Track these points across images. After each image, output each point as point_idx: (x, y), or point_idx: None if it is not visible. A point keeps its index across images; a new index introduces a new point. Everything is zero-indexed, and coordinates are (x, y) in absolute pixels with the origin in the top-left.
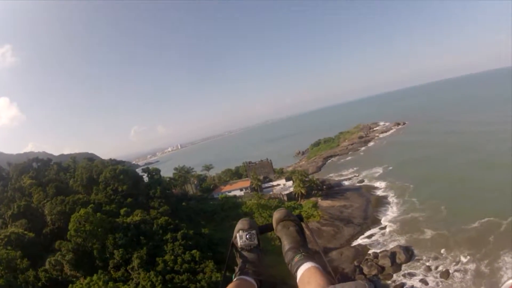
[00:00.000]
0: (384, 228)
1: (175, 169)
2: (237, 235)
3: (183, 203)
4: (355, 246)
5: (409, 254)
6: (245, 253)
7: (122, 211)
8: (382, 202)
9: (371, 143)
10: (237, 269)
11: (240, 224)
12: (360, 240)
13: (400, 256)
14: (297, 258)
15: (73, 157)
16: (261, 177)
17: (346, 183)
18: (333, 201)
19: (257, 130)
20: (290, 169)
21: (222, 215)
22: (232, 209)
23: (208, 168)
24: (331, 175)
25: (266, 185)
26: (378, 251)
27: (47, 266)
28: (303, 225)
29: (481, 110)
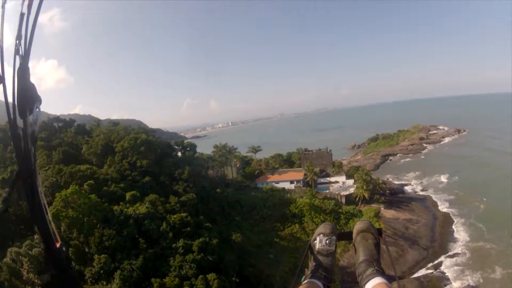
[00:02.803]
0: (453, 257)
1: (215, 146)
2: (317, 238)
3: (218, 190)
4: (419, 277)
5: None
6: (320, 257)
7: (128, 195)
8: (448, 221)
9: (431, 147)
10: (308, 271)
11: (322, 227)
12: (426, 271)
13: None
14: (369, 271)
15: (97, 121)
16: (318, 170)
17: (409, 189)
18: (397, 212)
19: (309, 117)
20: (345, 162)
21: (264, 213)
22: (278, 207)
23: (255, 150)
24: (389, 176)
25: (322, 180)
26: None
27: (7, 258)
28: (381, 240)
29: None
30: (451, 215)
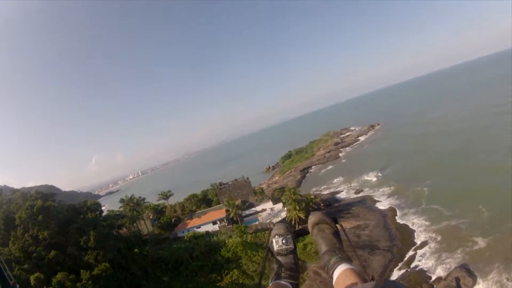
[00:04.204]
0: (422, 247)
1: (121, 200)
2: (273, 240)
3: (136, 250)
4: (396, 280)
5: (474, 274)
6: (280, 258)
7: (32, 278)
8: (400, 213)
9: (349, 148)
10: (272, 273)
11: (276, 229)
12: (399, 271)
13: (466, 281)
14: (333, 260)
15: (12, 190)
16: (239, 202)
17: (342, 196)
18: (342, 222)
19: (214, 151)
20: (264, 186)
21: (194, 266)
22: (207, 255)
23: (166, 196)
24: (316, 189)
25: (248, 212)
26: (433, 281)
27: None
28: (339, 227)
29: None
30: (398, 208)
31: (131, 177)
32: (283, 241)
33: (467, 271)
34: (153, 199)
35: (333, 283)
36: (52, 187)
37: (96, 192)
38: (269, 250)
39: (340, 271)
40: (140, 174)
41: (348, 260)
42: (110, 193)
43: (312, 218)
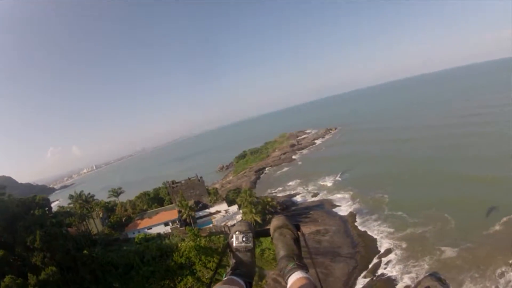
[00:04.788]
0: (386, 254)
1: (70, 197)
2: (234, 235)
3: (85, 251)
4: None
5: (446, 283)
6: (239, 254)
7: None
8: (361, 219)
9: (305, 151)
10: (228, 268)
11: (238, 225)
12: (365, 280)
13: None
14: (290, 266)
15: None
16: (192, 203)
17: (299, 199)
18: (301, 227)
19: (169, 148)
20: (217, 186)
21: (145, 271)
22: (158, 260)
23: (117, 193)
24: (272, 190)
25: (201, 214)
26: None
27: None
28: (300, 235)
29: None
30: (358, 213)
31: (85, 171)
32: (243, 238)
33: (438, 280)
34: (105, 196)
35: None
36: (8, 178)
37: (51, 185)
38: (228, 245)
39: (295, 278)
40: (95, 168)
41: (304, 268)
42: (65, 187)
43: (275, 222)
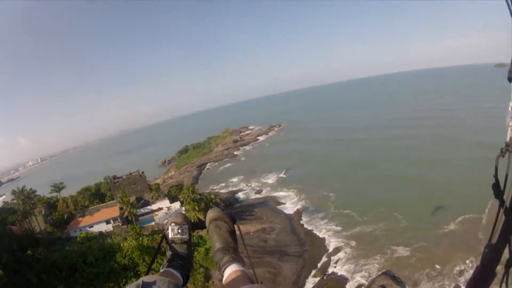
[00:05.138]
0: (335, 253)
1: (13, 192)
2: (170, 227)
3: (29, 251)
4: None
5: (401, 281)
6: (175, 246)
7: None
8: (307, 217)
9: (248, 147)
10: (165, 260)
11: (174, 217)
12: (315, 279)
13: None
14: (225, 259)
15: None
16: (134, 199)
17: (242, 196)
18: (244, 225)
19: (112, 141)
20: (159, 181)
21: (88, 273)
22: (102, 261)
23: (58, 188)
24: (214, 187)
25: (143, 210)
26: None
27: None
28: (236, 227)
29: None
30: (304, 211)
31: (31, 163)
32: (179, 230)
33: (393, 278)
34: (48, 190)
35: (223, 280)
36: None
37: None
38: (165, 236)
39: (231, 271)
40: (40, 161)
41: (240, 261)
42: (12, 180)
43: (211, 214)
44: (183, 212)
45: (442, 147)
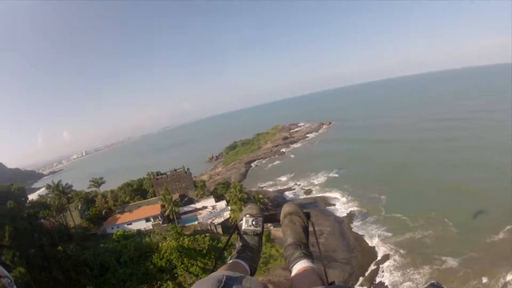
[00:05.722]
0: (385, 260)
1: (48, 187)
2: (244, 218)
3: (60, 247)
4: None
5: None
6: (246, 238)
7: None
8: (358, 221)
9: (299, 144)
10: (234, 251)
11: (249, 208)
12: None
13: None
14: (296, 254)
15: None
16: (177, 197)
17: (290, 195)
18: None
19: (158, 136)
20: (205, 177)
21: (121, 274)
22: (136, 261)
23: (97, 183)
24: (261, 184)
25: (186, 209)
26: None
27: None
28: (310, 224)
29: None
30: (355, 214)
31: (75, 156)
32: (253, 222)
33: None
34: (87, 185)
35: (291, 276)
36: None
37: (40, 171)
38: (237, 227)
39: (301, 266)
40: (84, 154)
41: (311, 257)
42: (53, 172)
43: (286, 208)
44: (229, 212)
45: (493, 151)
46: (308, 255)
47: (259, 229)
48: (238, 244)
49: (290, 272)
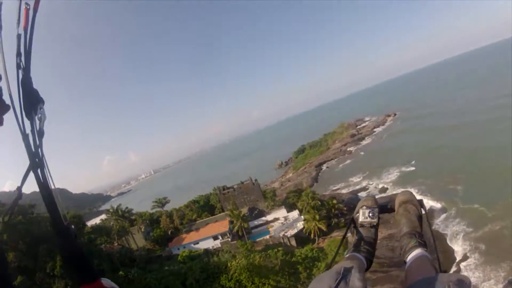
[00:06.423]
0: (466, 258)
1: (108, 212)
2: (360, 210)
3: (121, 272)
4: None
5: None
6: (363, 231)
7: None
8: (436, 218)
9: (367, 140)
10: (351, 245)
11: (365, 200)
12: None
13: None
14: (412, 243)
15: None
16: (246, 211)
17: (364, 195)
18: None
19: (228, 147)
20: (276, 185)
21: None
22: (203, 284)
23: (161, 203)
24: (334, 187)
25: (257, 222)
26: None
27: None
28: (423, 211)
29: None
30: (432, 210)
31: (143, 176)
32: (370, 214)
33: None
34: (147, 206)
35: (406, 265)
36: (62, 190)
37: (108, 193)
38: (353, 220)
39: (416, 256)
40: (153, 173)
41: (425, 246)
42: (122, 193)
43: (401, 197)
44: (302, 222)
45: None
46: (423, 244)
47: (375, 220)
48: (354, 238)
49: (404, 262)
